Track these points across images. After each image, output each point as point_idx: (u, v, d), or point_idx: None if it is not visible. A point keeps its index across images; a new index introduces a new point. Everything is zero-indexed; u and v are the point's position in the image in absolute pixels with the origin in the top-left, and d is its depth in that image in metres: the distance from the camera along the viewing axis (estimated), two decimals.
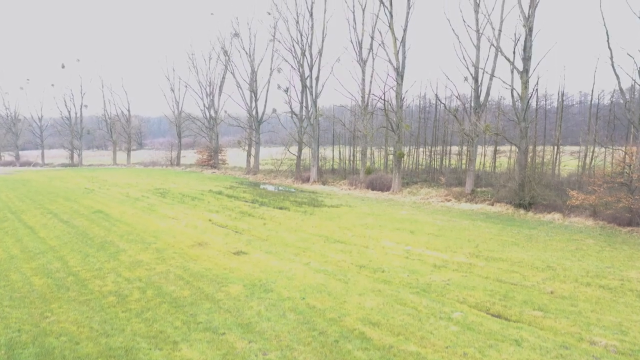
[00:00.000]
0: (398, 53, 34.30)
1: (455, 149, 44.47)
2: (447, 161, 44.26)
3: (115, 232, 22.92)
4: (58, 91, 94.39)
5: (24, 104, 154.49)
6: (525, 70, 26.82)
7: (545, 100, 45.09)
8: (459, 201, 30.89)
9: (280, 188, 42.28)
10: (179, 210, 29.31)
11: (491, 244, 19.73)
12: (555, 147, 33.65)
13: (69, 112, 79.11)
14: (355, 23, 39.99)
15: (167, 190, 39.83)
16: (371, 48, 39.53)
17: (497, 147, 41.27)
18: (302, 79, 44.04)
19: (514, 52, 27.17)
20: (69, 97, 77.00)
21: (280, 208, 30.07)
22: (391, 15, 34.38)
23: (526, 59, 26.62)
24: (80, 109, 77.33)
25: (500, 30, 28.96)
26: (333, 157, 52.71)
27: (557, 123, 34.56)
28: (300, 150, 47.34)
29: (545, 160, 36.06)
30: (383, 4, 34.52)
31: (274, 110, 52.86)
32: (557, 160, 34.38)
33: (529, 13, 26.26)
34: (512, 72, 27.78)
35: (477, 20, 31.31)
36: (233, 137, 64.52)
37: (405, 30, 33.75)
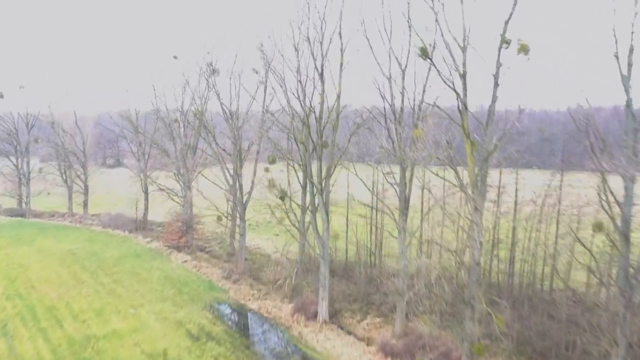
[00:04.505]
0: (473, 172, 19.80)
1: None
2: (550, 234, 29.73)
3: None
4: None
5: None
6: None
7: None
8: None
9: (274, 343, 28.27)
10: None
11: None
12: None
13: (15, 149, 64.14)
14: (393, 115, 24.50)
15: (100, 348, 25.73)
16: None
17: None
18: (305, 170, 29.36)
19: None
20: (13, 133, 61.97)
21: None
22: (465, 108, 19.84)
23: None
24: (27, 147, 62.34)
25: None
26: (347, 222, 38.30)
27: None
28: (300, 268, 33.02)
29: None
30: (457, 96, 19.71)
31: (268, 174, 38.12)
32: None
33: None
34: None
35: None
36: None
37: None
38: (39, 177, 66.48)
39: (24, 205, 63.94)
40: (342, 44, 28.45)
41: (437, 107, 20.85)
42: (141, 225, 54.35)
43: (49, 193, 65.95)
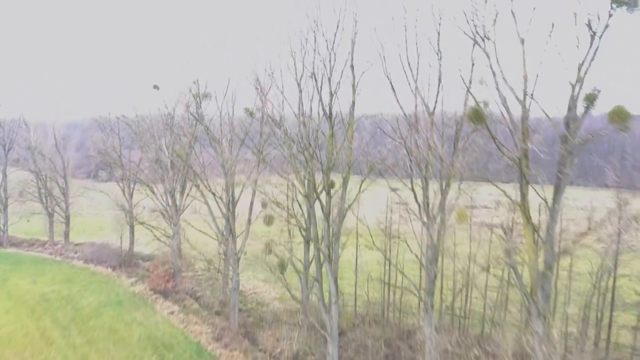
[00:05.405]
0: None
1: None
2: None
3: None
4: None
5: None
6: None
7: None
8: None
9: None
10: None
11: None
12: None
13: None
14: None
15: None
16: None
17: None
18: (308, 231, 24.29)
19: None
20: None
21: None
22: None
23: None
24: (4, 171, 57.35)
25: None
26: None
27: None
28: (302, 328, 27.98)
29: None
30: None
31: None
32: None
33: None
34: None
35: None
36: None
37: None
38: (19, 200, 61.50)
39: (1, 233, 58.86)
40: (353, 77, 23.52)
41: (492, 182, 15.81)
42: (126, 260, 49.30)
43: (28, 220, 60.95)
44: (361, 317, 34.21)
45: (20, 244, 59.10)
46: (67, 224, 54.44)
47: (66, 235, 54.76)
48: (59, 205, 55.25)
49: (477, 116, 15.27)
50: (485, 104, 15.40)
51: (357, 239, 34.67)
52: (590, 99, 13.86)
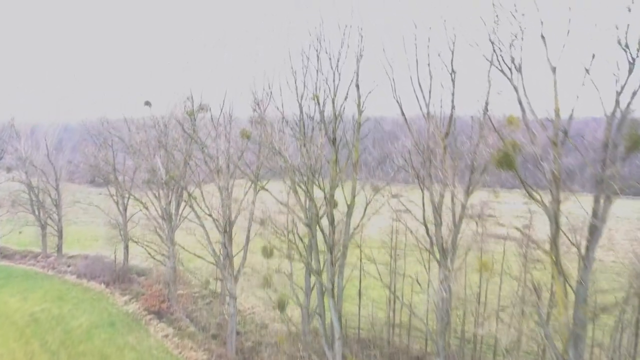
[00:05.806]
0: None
1: None
2: None
3: None
4: None
5: None
6: None
7: None
8: None
9: None
10: None
11: None
12: None
13: None
14: None
15: None
16: None
17: None
18: (309, 264, 22.53)
19: None
20: None
21: None
22: None
23: None
24: None
25: None
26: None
27: None
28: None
29: None
30: None
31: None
32: None
33: None
34: None
35: None
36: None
37: None
38: (11, 211, 59.74)
39: None
40: (359, 97, 21.78)
41: (527, 236, 13.99)
42: (121, 276, 47.54)
43: (20, 232, 59.19)
44: (365, 343, 32.50)
45: (13, 255, 57.32)
46: (60, 236, 52.70)
47: (59, 248, 53.03)
48: (50, 218, 53.52)
49: (507, 161, 13.47)
50: (515, 146, 13.59)
51: (360, 259, 33.02)
52: (636, 142, 11.96)
